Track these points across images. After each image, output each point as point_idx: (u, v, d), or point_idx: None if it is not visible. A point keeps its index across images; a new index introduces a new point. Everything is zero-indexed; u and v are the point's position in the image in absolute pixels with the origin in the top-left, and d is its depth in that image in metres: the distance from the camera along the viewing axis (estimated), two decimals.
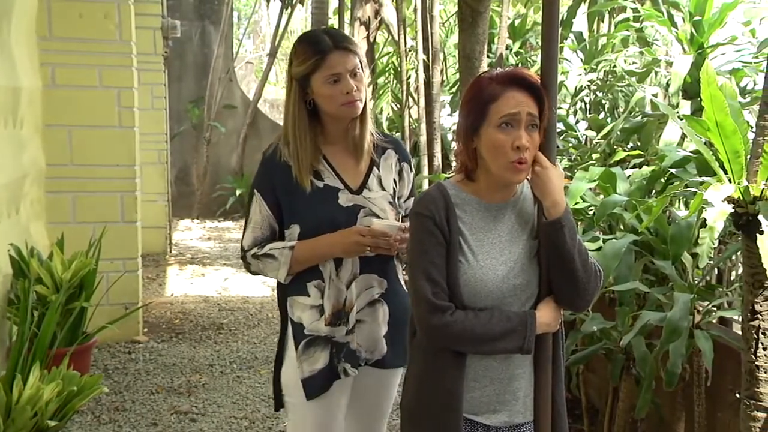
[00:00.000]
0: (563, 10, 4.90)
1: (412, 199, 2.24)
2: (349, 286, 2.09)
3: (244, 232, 2.14)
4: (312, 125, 2.08)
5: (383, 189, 2.14)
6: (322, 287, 2.09)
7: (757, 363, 2.00)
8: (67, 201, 4.72)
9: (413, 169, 2.29)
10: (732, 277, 3.17)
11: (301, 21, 13.32)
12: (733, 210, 2.00)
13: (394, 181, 2.18)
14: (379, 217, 2.09)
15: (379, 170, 2.15)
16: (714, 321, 2.81)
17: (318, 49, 2.02)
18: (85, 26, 4.66)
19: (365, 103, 2.08)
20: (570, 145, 4.56)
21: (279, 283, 2.15)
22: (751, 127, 2.24)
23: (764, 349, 1.99)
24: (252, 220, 2.11)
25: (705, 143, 2.41)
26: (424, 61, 5.60)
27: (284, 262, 2.05)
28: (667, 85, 3.88)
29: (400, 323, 2.13)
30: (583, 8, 5.12)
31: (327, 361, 2.08)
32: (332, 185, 2.09)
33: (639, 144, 3.82)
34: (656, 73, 4.38)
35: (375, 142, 2.17)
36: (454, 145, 5.06)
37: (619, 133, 3.83)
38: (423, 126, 5.61)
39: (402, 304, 2.15)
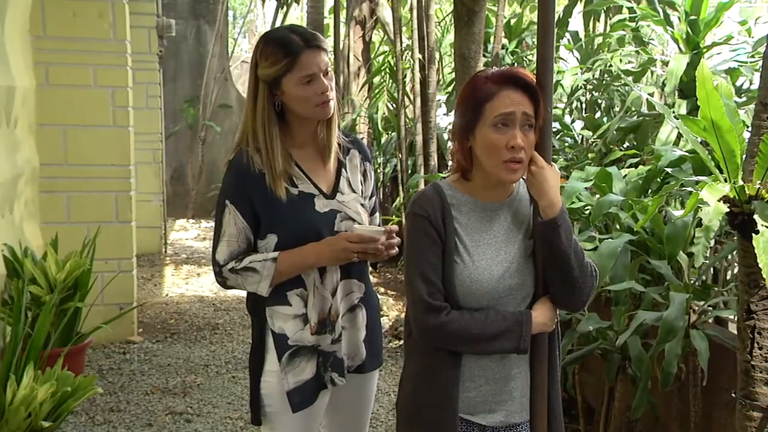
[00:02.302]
0: (559, 10, 4.89)
1: (374, 198, 2.19)
2: (334, 294, 2.02)
3: (215, 246, 2.01)
4: (281, 128, 1.99)
5: (353, 191, 2.08)
6: (304, 296, 2.00)
7: (752, 363, 2.00)
8: (62, 201, 4.71)
9: (374, 167, 2.25)
10: (728, 277, 3.17)
11: (297, 20, 13.30)
12: (728, 209, 2.00)
13: (360, 181, 2.12)
14: (354, 219, 2.03)
15: (347, 171, 2.09)
16: (710, 321, 2.81)
17: (289, 50, 1.93)
18: (80, 25, 4.65)
19: (336, 102, 2.02)
20: (566, 144, 4.57)
21: (251, 293, 2.05)
22: (747, 127, 2.24)
23: (760, 348, 1.99)
24: (225, 233, 1.98)
25: (701, 143, 2.41)
26: (420, 60, 5.59)
27: (267, 275, 1.96)
28: (663, 84, 3.89)
29: (374, 325, 2.14)
30: (579, 7, 5.12)
31: (314, 371, 2.00)
32: (307, 191, 2.00)
33: (635, 143, 3.82)
34: (652, 72, 4.40)
35: (339, 142, 2.10)
36: (450, 144, 5.06)
37: (615, 132, 3.83)
38: (419, 125, 5.60)
39: (375, 305, 2.14)
